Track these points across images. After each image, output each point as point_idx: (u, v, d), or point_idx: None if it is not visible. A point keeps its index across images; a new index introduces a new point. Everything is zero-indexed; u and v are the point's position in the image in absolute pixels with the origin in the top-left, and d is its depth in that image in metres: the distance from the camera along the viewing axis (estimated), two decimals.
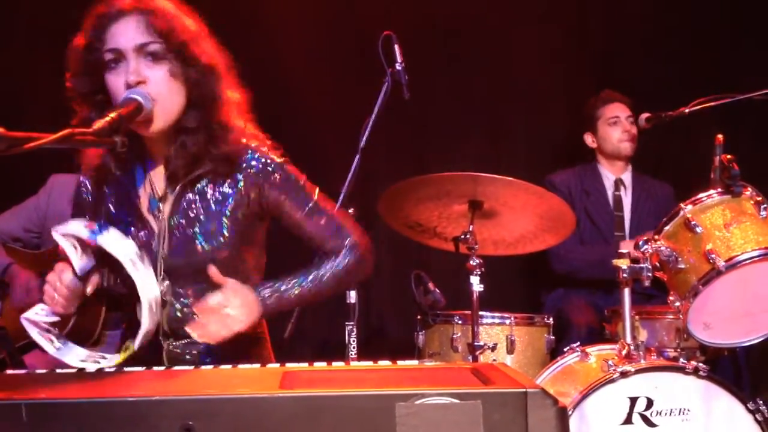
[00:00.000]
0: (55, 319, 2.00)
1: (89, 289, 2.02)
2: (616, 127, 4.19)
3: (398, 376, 1.51)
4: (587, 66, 4.73)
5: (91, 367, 1.88)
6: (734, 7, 4.69)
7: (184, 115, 2.06)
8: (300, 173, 2.20)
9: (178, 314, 2.12)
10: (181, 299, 2.12)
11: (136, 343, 1.95)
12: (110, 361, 1.96)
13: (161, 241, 2.11)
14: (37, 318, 1.96)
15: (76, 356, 1.94)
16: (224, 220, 2.11)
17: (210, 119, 2.07)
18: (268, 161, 2.13)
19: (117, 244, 1.91)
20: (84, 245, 1.97)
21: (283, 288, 2.09)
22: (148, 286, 1.91)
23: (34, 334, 1.95)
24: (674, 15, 4.69)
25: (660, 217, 2.82)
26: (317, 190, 2.21)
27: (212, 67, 2.06)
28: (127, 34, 1.98)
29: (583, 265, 4.02)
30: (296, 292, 2.11)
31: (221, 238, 2.09)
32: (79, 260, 1.95)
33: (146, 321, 1.92)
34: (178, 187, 2.11)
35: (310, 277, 2.14)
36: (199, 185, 2.12)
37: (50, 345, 1.94)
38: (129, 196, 2.13)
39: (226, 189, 2.12)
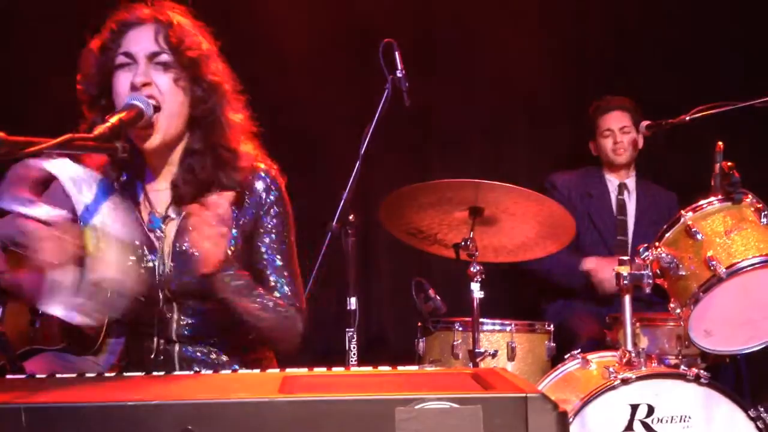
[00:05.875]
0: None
1: (61, 233, 1.87)
2: (608, 140, 4.22)
3: (398, 381, 1.50)
4: (589, 72, 4.73)
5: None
6: (736, 14, 4.70)
7: (190, 137, 2.09)
8: (292, 220, 2.21)
9: (185, 331, 2.15)
10: (188, 315, 2.15)
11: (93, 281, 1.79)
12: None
13: (165, 261, 2.12)
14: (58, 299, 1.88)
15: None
16: (230, 240, 2.11)
17: (216, 142, 2.09)
18: (272, 188, 2.16)
19: (60, 165, 1.78)
20: (33, 202, 1.88)
21: (251, 284, 2.05)
22: (98, 214, 1.77)
23: (59, 311, 1.86)
24: (676, 21, 4.70)
25: (662, 225, 2.81)
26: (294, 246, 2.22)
27: (218, 86, 2.09)
28: (141, 41, 2.04)
29: (551, 267, 3.97)
30: (249, 294, 2.04)
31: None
32: (34, 211, 1.84)
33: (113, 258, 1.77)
34: (184, 211, 2.11)
35: (269, 301, 2.10)
36: None
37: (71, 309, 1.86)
38: (131, 210, 2.12)
39: (231, 210, 2.12)
